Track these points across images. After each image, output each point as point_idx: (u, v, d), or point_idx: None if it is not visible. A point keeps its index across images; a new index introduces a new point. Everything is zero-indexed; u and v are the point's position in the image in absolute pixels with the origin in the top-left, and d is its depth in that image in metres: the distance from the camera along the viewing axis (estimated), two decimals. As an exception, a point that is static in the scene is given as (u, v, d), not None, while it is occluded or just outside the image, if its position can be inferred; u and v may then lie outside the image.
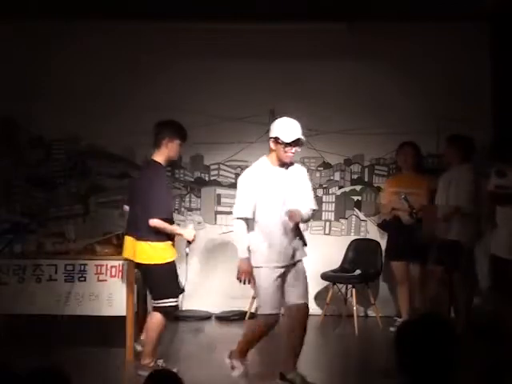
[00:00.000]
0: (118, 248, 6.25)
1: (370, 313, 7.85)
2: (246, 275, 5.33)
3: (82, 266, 6.24)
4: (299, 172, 5.52)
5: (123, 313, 6.05)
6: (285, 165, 5.39)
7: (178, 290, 5.77)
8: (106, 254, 6.21)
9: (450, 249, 6.78)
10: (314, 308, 7.90)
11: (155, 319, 5.71)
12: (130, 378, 5.93)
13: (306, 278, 5.47)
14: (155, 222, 5.61)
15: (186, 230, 5.90)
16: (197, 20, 7.59)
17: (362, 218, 8.08)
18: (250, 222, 5.36)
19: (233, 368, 5.56)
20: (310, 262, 7.75)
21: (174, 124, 5.87)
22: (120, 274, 6.14)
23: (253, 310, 7.82)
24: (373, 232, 8.00)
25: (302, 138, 5.33)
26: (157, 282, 5.73)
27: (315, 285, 7.88)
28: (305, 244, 5.53)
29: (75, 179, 8.09)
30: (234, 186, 8.05)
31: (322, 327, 7.49)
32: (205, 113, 7.90)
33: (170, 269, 5.71)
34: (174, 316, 6.01)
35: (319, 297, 7.93)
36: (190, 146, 8.02)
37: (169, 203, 5.98)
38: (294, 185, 5.40)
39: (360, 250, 7.79)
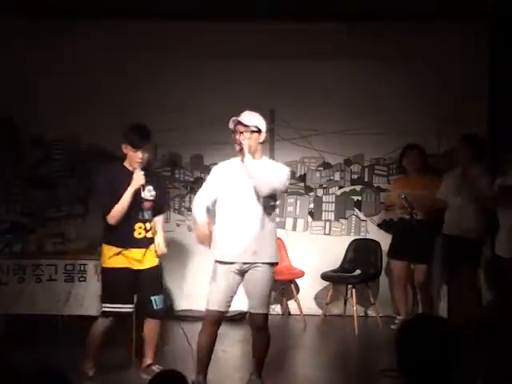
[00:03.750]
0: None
1: (370, 313, 7.84)
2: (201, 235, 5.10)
3: (82, 266, 6.25)
4: (272, 166, 5.18)
5: (123, 313, 6.04)
6: (256, 159, 5.11)
7: (109, 299, 5.45)
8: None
9: (469, 248, 6.78)
10: (314, 308, 7.92)
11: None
12: (130, 378, 5.93)
13: (265, 285, 5.06)
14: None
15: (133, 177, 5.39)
16: (197, 20, 7.60)
17: (362, 218, 8.08)
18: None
19: None
20: (310, 261, 7.83)
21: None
22: (120, 274, 6.12)
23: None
24: (373, 232, 8.00)
25: (244, 121, 5.08)
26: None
27: (315, 285, 7.90)
28: (271, 246, 5.10)
29: (75, 179, 8.09)
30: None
31: (322, 327, 7.49)
32: (205, 113, 7.90)
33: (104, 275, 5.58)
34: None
35: (319, 297, 7.94)
36: (190, 145, 8.07)
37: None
38: (262, 172, 5.02)
39: (360, 250, 7.78)
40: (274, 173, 5.07)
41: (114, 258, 5.44)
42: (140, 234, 5.47)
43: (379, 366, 5.97)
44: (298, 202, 8.06)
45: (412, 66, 7.81)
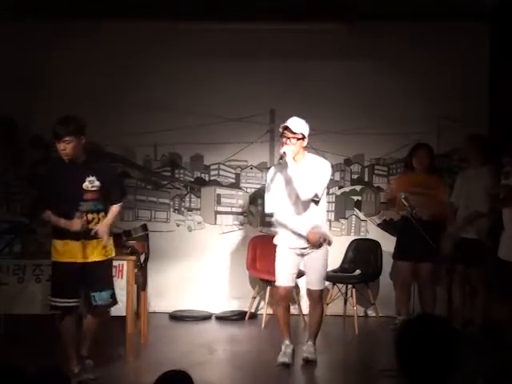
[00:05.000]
0: (118, 248, 6.25)
1: (370, 313, 7.84)
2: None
3: (82, 266, 6.22)
4: (315, 165, 5.91)
5: (123, 313, 6.05)
6: (296, 160, 5.84)
7: (59, 293, 5.54)
8: (105, 254, 6.19)
9: (471, 248, 6.79)
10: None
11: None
12: (129, 377, 5.94)
13: (321, 265, 6.02)
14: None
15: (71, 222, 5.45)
16: (197, 20, 7.60)
17: (362, 218, 8.08)
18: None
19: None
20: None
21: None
22: (120, 273, 6.14)
23: (253, 310, 7.83)
24: (373, 232, 8.00)
25: (292, 128, 5.74)
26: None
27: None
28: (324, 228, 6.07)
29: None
30: (233, 185, 8.09)
31: (322, 327, 7.46)
32: (205, 113, 7.91)
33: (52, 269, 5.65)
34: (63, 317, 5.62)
35: (319, 297, 7.93)
36: (190, 145, 8.07)
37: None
38: (304, 177, 5.79)
39: (360, 250, 7.78)
40: (315, 174, 5.83)
41: (59, 251, 5.51)
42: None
43: (379, 366, 5.97)
44: (298, 201, 8.05)
45: (412, 66, 7.80)
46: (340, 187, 8.10)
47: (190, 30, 7.77)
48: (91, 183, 5.48)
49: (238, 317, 7.76)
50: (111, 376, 5.75)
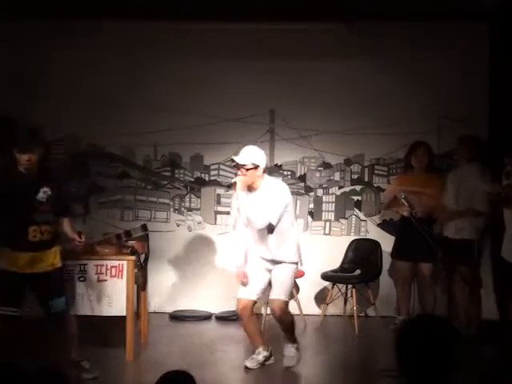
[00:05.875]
0: (118, 248, 6.26)
1: (370, 313, 7.84)
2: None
3: (82, 266, 6.23)
4: (270, 192, 5.77)
5: (123, 313, 6.05)
6: (255, 188, 5.77)
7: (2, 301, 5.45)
8: (106, 254, 6.21)
9: (464, 248, 6.79)
10: (313, 308, 7.92)
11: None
12: (129, 377, 5.94)
13: (286, 277, 5.88)
14: None
15: None
16: (197, 20, 7.60)
17: (362, 218, 8.08)
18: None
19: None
20: (310, 261, 7.82)
21: None
22: (120, 273, 6.14)
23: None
24: (373, 232, 8.00)
25: (238, 161, 5.66)
26: None
27: (315, 285, 7.90)
28: (289, 249, 5.90)
29: (75, 179, 8.07)
30: (233, 185, 8.07)
31: (322, 327, 7.49)
32: (205, 113, 7.90)
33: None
34: None
35: (319, 297, 7.94)
36: (190, 145, 8.08)
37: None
38: (258, 206, 5.71)
39: (360, 250, 7.78)
40: (269, 202, 5.69)
41: (8, 260, 5.41)
42: (35, 236, 5.41)
43: (379, 365, 5.97)
44: (298, 201, 8.06)
45: (412, 66, 7.80)
46: (340, 187, 8.11)
47: (189, 30, 7.77)
48: (45, 193, 5.48)
49: (237, 317, 7.74)
50: (111, 376, 5.76)
